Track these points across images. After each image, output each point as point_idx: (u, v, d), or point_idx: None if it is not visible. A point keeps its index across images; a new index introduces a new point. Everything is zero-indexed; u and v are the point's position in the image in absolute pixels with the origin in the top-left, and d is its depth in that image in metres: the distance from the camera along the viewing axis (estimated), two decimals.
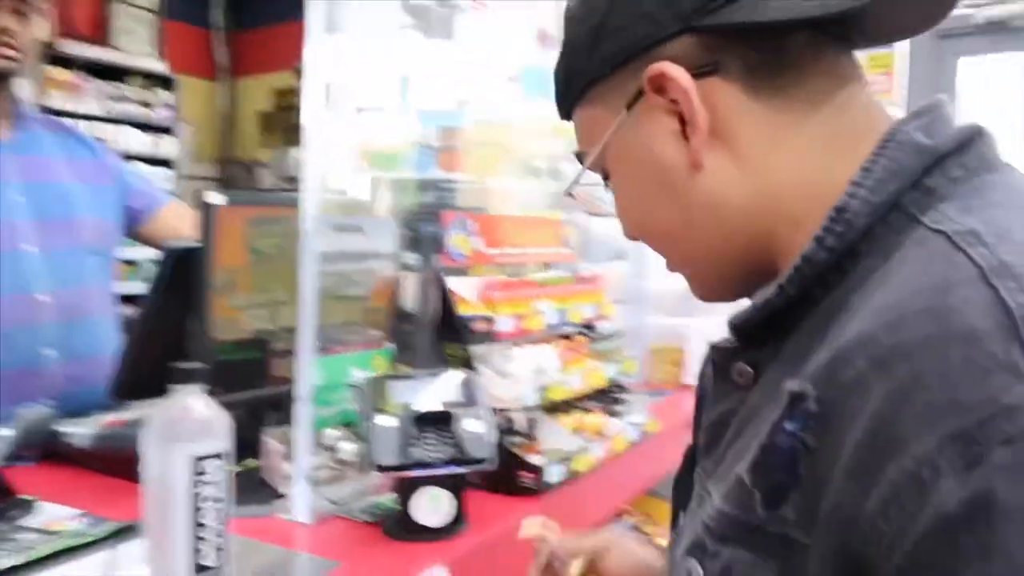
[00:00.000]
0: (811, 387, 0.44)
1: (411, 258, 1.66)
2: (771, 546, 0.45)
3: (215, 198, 1.28)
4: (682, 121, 0.54)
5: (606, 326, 1.80)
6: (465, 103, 2.12)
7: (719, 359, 0.58)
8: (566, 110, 0.64)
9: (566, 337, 1.64)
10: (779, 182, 0.54)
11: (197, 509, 0.82)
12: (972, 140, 0.50)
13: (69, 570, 0.95)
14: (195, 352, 1.20)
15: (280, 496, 1.20)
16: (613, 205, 0.64)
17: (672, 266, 0.65)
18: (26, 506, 1.09)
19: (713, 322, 2.22)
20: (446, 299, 1.48)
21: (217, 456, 0.84)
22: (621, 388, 1.71)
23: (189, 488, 0.81)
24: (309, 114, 1.19)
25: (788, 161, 0.53)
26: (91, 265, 1.65)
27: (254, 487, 1.24)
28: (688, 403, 2.14)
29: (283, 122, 5.40)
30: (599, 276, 1.84)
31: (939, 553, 0.37)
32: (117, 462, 1.31)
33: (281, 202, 1.43)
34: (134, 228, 1.80)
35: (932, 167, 0.48)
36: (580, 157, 0.64)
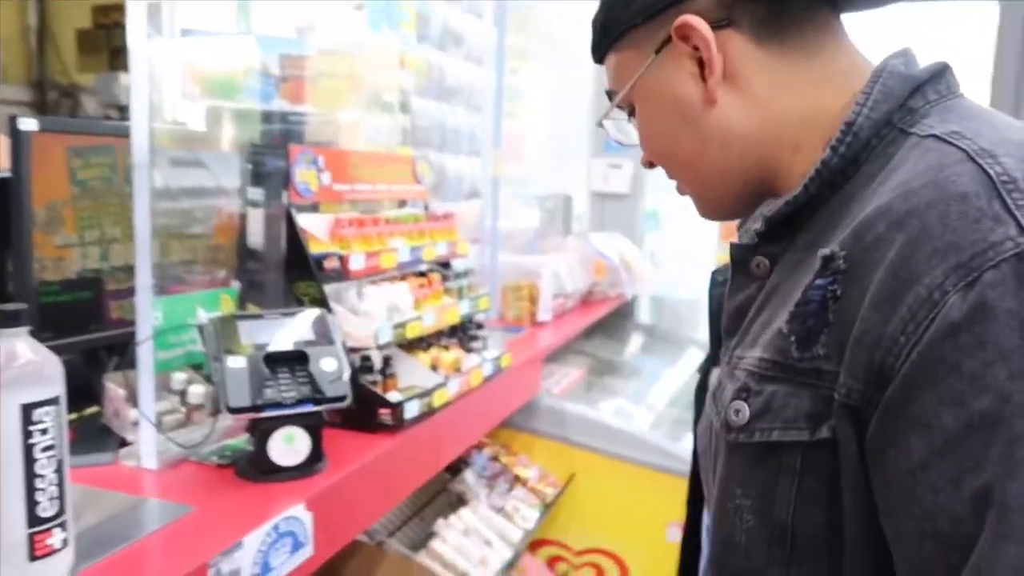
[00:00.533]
0: (839, 250, 0.56)
1: (256, 194, 1.60)
2: (805, 378, 0.57)
3: (27, 123, 1.16)
4: (700, 65, 0.65)
5: (460, 264, 1.81)
6: (307, 30, 2.02)
7: (738, 256, 0.69)
8: (601, 54, 0.74)
9: (420, 275, 1.64)
10: (780, 115, 0.65)
11: (31, 460, 0.76)
12: (941, 72, 0.63)
13: None
14: (15, 294, 1.10)
15: (126, 443, 1.14)
16: (637, 137, 0.74)
17: (684, 188, 0.75)
18: None
19: (564, 260, 2.29)
20: (295, 236, 1.43)
21: (49, 403, 0.78)
22: (476, 325, 1.74)
23: (21, 438, 0.76)
24: (134, 34, 1.09)
25: (788, 98, 0.65)
26: None
27: (96, 435, 1.17)
28: (542, 339, 2.22)
29: (107, 42, 4.90)
30: (452, 214, 1.84)
31: (945, 349, 0.49)
32: None
33: (106, 131, 1.32)
34: None
35: (914, 92, 0.61)
36: (610, 95, 0.74)
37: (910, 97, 0.61)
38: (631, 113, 0.74)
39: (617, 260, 2.80)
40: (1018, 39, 2.62)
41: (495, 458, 1.95)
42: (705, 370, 0.84)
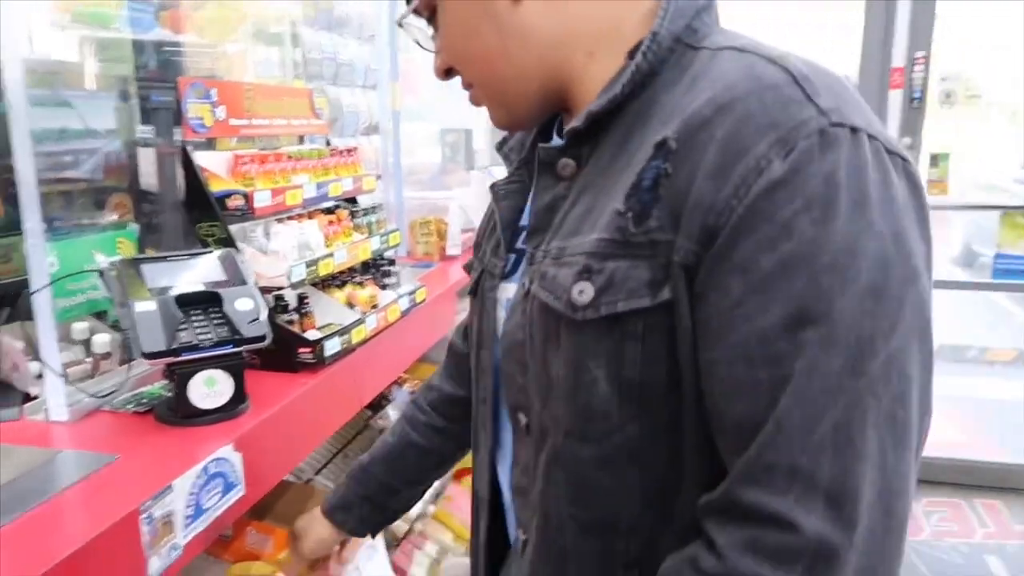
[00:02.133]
0: (672, 134, 0.62)
1: (146, 131, 1.51)
2: (642, 250, 0.63)
3: None
4: None
5: (366, 200, 1.78)
6: None
7: (545, 157, 0.73)
8: None
9: (328, 212, 1.60)
10: (579, 21, 0.70)
11: None
12: (711, 3, 0.71)
13: None
14: None
15: (29, 398, 1.08)
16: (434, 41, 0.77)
17: (479, 95, 0.77)
18: None
19: (469, 193, 2.27)
20: (193, 175, 1.36)
21: None
22: (388, 261, 1.72)
23: None
24: None
25: (586, 8, 0.70)
26: None
27: None
28: (452, 274, 2.21)
29: None
30: (355, 149, 1.79)
31: (765, 203, 0.58)
32: None
33: None
34: None
35: (696, 15, 0.69)
36: None
37: (694, 18, 0.69)
38: (430, 18, 0.76)
39: None
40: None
41: (414, 392, 1.95)
42: (476, 282, 0.86)
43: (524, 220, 0.80)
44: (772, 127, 0.59)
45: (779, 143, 0.58)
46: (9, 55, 1.02)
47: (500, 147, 0.87)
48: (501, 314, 0.80)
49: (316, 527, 1.09)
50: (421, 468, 1.10)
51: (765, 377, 0.58)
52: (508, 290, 0.79)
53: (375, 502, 1.07)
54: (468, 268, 0.90)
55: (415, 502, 1.14)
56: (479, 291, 0.85)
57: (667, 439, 0.66)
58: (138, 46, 1.65)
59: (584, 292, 0.65)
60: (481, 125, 3.42)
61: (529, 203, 0.77)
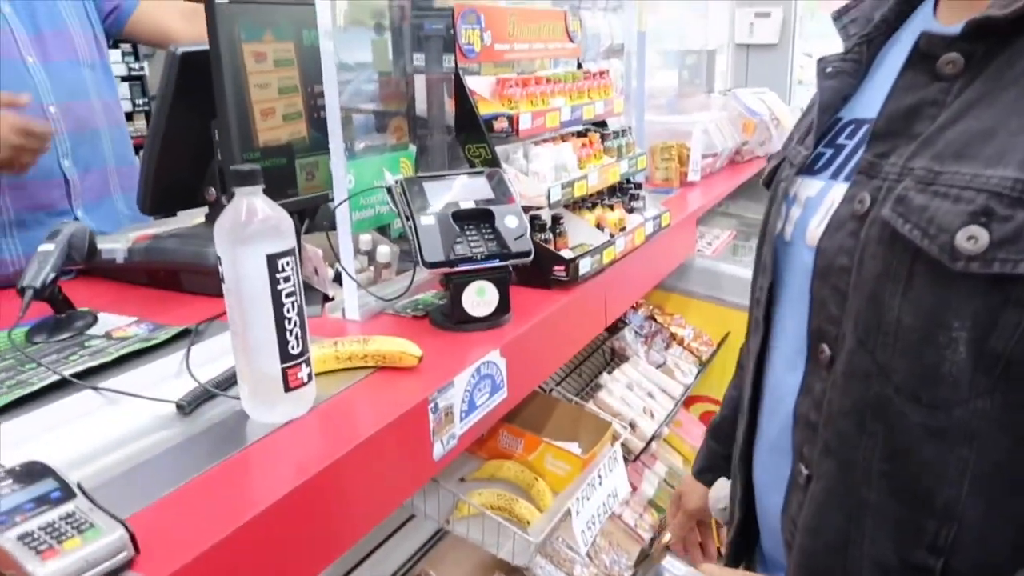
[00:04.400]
0: None
1: (419, 59, 1.61)
2: None
3: None
4: None
5: (614, 123, 1.79)
6: None
7: (926, 46, 0.62)
8: None
9: (580, 134, 1.63)
10: None
11: (280, 305, 0.85)
12: None
13: (150, 369, 0.99)
14: (224, 160, 1.19)
15: (328, 299, 1.24)
16: None
17: None
18: (88, 316, 1.12)
19: (712, 118, 2.21)
20: (465, 99, 1.45)
21: (288, 254, 0.86)
22: (635, 185, 1.73)
23: (269, 285, 0.84)
24: None
25: None
26: (90, 78, 1.59)
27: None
28: (692, 200, 2.18)
29: None
30: (606, 71, 1.80)
31: None
32: (155, 273, 1.33)
33: (290, 1, 1.35)
34: (118, 28, 1.72)
35: None
36: None
37: None
38: None
39: (767, 116, 2.68)
40: None
41: (651, 317, 1.98)
42: (773, 172, 0.78)
43: (847, 111, 0.72)
44: None
45: None
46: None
47: (839, 16, 0.77)
48: (794, 212, 0.73)
49: (694, 489, 1.15)
50: None
51: None
52: (809, 187, 0.72)
53: None
54: (771, 159, 0.84)
55: None
56: (773, 181, 0.79)
57: (1017, 425, 0.58)
58: None
59: (976, 239, 0.55)
60: (723, 45, 3.26)
61: (883, 98, 0.66)
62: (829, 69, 0.74)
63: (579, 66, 1.81)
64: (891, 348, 0.61)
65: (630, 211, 1.64)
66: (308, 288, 1.30)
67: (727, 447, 0.97)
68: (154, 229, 1.42)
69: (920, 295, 0.59)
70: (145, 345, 1.05)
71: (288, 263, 0.85)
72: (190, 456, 0.79)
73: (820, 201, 0.71)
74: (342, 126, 1.18)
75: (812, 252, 0.70)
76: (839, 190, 0.68)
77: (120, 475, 0.75)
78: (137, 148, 1.63)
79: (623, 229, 1.56)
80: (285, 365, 0.86)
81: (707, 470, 1.12)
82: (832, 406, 0.69)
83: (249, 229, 0.83)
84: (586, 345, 1.84)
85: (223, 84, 1.19)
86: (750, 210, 2.72)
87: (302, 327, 0.87)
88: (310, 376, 0.89)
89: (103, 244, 1.30)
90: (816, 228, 0.70)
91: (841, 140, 0.71)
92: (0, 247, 1.48)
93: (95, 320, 1.12)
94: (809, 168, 0.73)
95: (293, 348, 0.87)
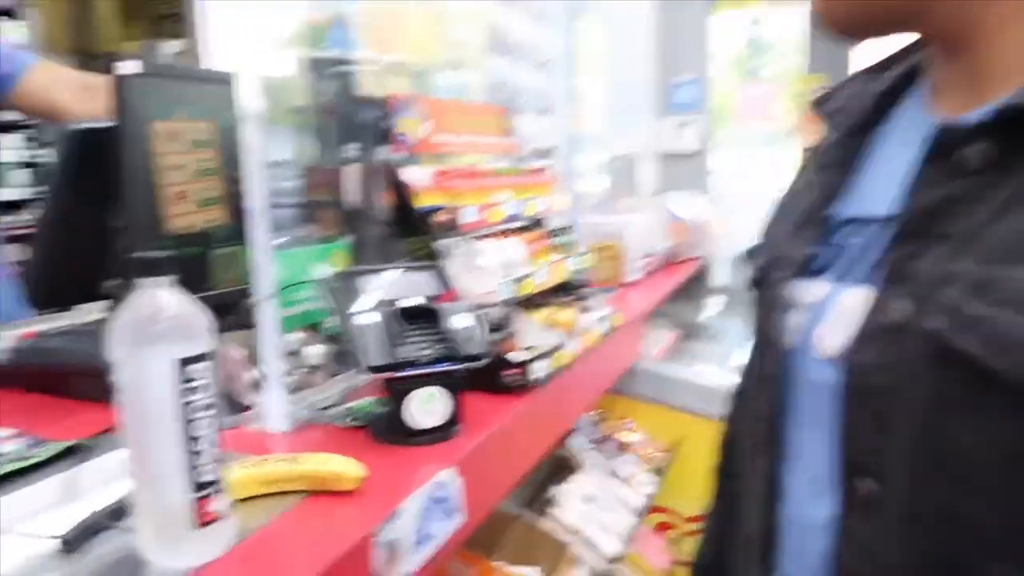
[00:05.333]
0: None
1: (352, 148, 1.50)
2: None
3: (128, 67, 1.08)
4: None
5: (556, 220, 1.71)
6: None
7: (948, 139, 0.55)
8: None
9: (523, 230, 1.54)
10: None
11: (188, 421, 0.68)
12: None
13: (21, 496, 0.79)
14: (126, 249, 1.03)
15: (246, 407, 1.06)
16: None
17: None
18: None
19: (643, 220, 2.17)
20: (400, 191, 1.34)
21: (203, 357, 0.70)
22: (581, 283, 1.64)
23: (176, 397, 0.68)
24: None
25: None
26: None
27: None
28: (632, 299, 2.10)
29: (147, 10, 4.85)
30: (546, 168, 1.74)
31: None
32: (42, 377, 1.14)
33: (209, 78, 1.23)
34: (0, 97, 1.55)
35: None
36: None
37: None
38: None
39: (693, 221, 2.68)
40: None
41: (600, 422, 1.86)
42: (761, 271, 0.70)
43: (841, 208, 0.64)
44: None
45: None
46: (246, 80, 1.02)
47: (820, 104, 0.70)
48: (795, 319, 0.65)
49: None
50: None
51: None
52: (810, 290, 0.64)
53: None
54: (751, 254, 0.75)
55: None
56: (763, 282, 0.71)
57: None
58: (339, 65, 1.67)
59: None
60: (644, 153, 3.33)
61: (890, 194, 0.60)
62: (823, 160, 0.68)
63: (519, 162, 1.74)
64: (963, 491, 0.51)
65: (584, 310, 1.54)
66: (224, 396, 1.12)
67: None
68: (41, 326, 1.22)
69: (996, 426, 0.49)
70: (22, 465, 0.85)
71: (203, 369, 0.70)
72: None
73: (829, 307, 0.62)
74: (267, 212, 1.04)
75: (829, 366, 0.61)
76: (855, 295, 0.60)
77: None
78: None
79: (573, 330, 1.45)
80: (195, 495, 0.69)
81: None
82: (889, 558, 0.56)
83: (155, 328, 0.68)
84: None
85: (129, 163, 1.04)
86: (685, 312, 2.67)
87: (218, 447, 0.71)
88: (227, 508, 0.72)
89: None
90: (832, 338, 0.61)
91: (840, 239, 0.63)
92: None
93: None
94: (806, 269, 0.65)
95: (206, 474, 0.70)
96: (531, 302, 1.47)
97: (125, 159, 1.04)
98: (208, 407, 0.70)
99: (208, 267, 1.16)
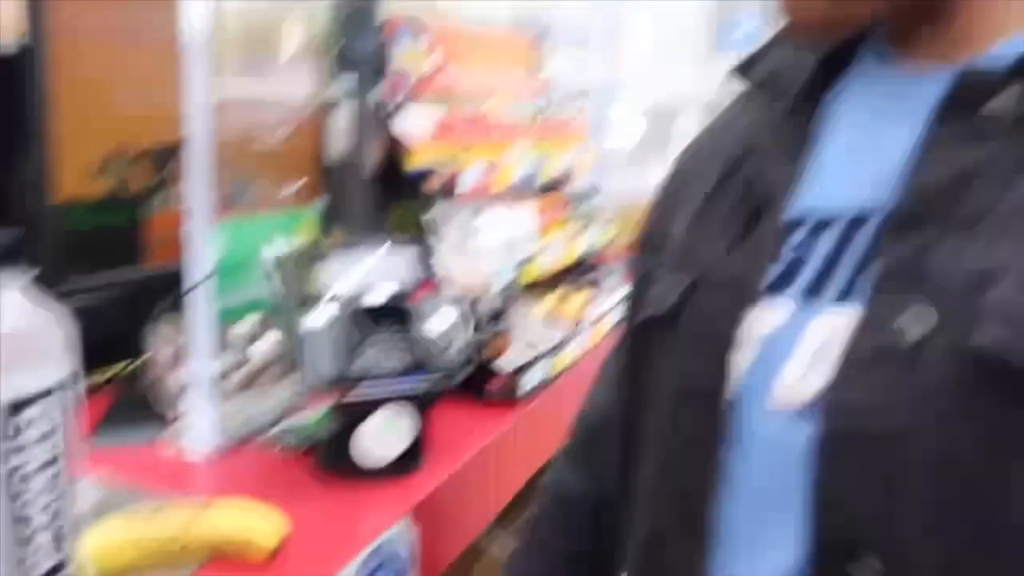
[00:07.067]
0: None
1: (343, 83, 1.27)
2: None
3: None
4: None
5: (582, 183, 1.47)
6: None
7: (966, 92, 0.45)
8: None
9: (538, 194, 1.31)
10: None
11: (19, 489, 0.50)
12: None
13: None
14: (21, 216, 0.83)
15: (171, 419, 0.88)
16: None
17: None
18: None
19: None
20: (391, 146, 1.12)
21: (46, 394, 0.51)
22: (598, 262, 1.42)
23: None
24: None
25: None
26: None
27: (132, 404, 0.90)
28: None
29: None
30: (575, 116, 1.48)
31: None
32: None
33: None
34: None
35: None
36: None
37: None
38: None
39: None
40: None
41: None
42: (679, 299, 0.52)
43: (793, 204, 0.49)
44: None
45: None
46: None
47: (743, 70, 0.55)
48: (738, 359, 0.48)
49: None
50: None
51: None
52: (761, 321, 0.48)
53: None
54: (635, 267, 0.58)
55: None
56: (677, 310, 0.52)
57: None
58: None
59: None
60: (689, 102, 3.05)
61: (927, 162, 0.46)
62: (755, 143, 0.53)
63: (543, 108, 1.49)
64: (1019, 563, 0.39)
65: (595, 297, 1.32)
66: (144, 406, 0.92)
67: None
68: None
69: (984, 431, 0.39)
70: None
71: (43, 411, 0.50)
72: None
73: (793, 338, 0.46)
74: (215, 170, 0.83)
75: (797, 419, 0.45)
76: (832, 317, 0.45)
77: None
78: None
79: (580, 322, 1.23)
80: None
81: None
82: None
83: None
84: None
85: (39, 101, 0.83)
86: None
87: (64, 518, 0.52)
88: None
89: None
90: (801, 380, 0.45)
91: (798, 247, 0.48)
92: None
93: None
94: (754, 292, 0.49)
95: (42, 557, 0.51)
96: (536, 285, 1.26)
97: (32, 95, 0.83)
98: (48, 464, 0.51)
99: (136, 238, 0.96)
